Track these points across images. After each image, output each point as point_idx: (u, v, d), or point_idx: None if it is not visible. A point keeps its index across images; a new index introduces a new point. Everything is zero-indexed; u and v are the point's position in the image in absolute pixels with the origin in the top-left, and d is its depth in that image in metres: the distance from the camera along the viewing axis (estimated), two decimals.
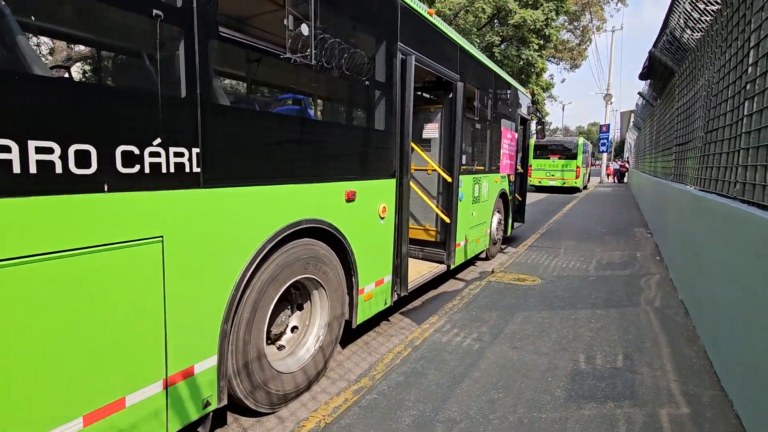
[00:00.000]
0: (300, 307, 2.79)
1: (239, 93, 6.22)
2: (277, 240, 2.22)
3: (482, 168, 5.64)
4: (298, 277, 2.47)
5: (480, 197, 5.40)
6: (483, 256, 6.28)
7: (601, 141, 27.85)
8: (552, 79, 36.37)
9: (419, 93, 4.93)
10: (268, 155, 2.18)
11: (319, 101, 5.23)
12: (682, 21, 4.39)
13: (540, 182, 20.69)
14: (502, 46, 20.45)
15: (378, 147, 3.13)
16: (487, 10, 18.54)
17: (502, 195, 6.52)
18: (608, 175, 29.75)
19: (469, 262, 5.97)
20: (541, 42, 19.82)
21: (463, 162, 4.83)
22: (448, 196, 4.55)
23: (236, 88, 6.68)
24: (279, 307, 2.58)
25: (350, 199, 2.79)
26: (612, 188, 22.10)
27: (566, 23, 35.89)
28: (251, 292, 2.14)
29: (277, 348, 2.66)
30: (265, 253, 2.16)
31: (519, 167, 7.98)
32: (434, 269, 4.38)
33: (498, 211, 6.48)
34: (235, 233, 2.01)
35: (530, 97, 7.89)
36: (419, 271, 4.29)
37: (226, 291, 1.98)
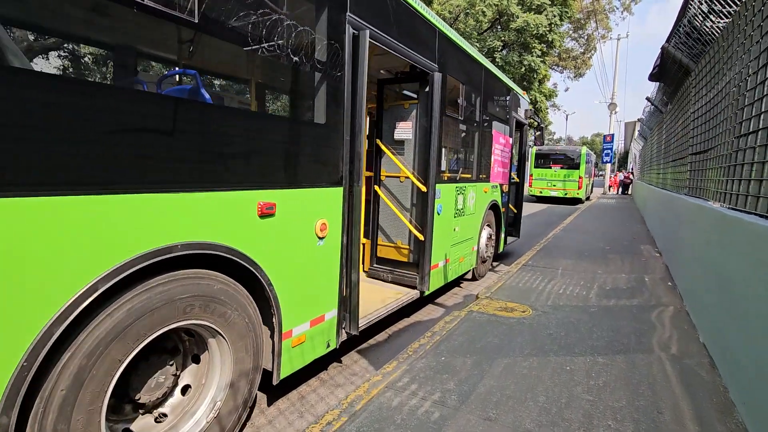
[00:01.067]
0: (196, 359, 2.06)
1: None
2: (124, 275, 1.50)
3: (468, 176, 4.92)
4: (174, 326, 1.74)
5: (465, 210, 4.67)
6: (469, 276, 5.54)
7: (605, 151, 27.11)
8: (556, 87, 35.81)
9: (391, 85, 4.22)
10: (103, 149, 1.46)
11: (220, 80, 4.08)
12: (704, 6, 3.68)
13: (541, 192, 19.95)
14: (504, 52, 19.84)
15: (315, 145, 2.41)
16: (488, 13, 17.96)
17: (493, 207, 5.79)
18: (611, 186, 28.99)
19: (454, 283, 5.22)
20: (544, 48, 19.20)
21: (443, 168, 4.11)
22: (422, 209, 3.82)
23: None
24: (154, 363, 1.85)
25: (266, 213, 2.07)
26: (615, 200, 21.34)
27: (570, 31, 35.44)
28: (72, 357, 1.41)
29: (156, 419, 1.92)
30: (98, 296, 1.44)
31: (514, 176, 7.27)
32: (402, 297, 3.64)
33: (488, 226, 5.75)
34: (35, 269, 1.29)
35: (528, 99, 7.18)
36: (383, 299, 3.55)
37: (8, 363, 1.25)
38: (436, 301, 4.69)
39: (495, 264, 6.67)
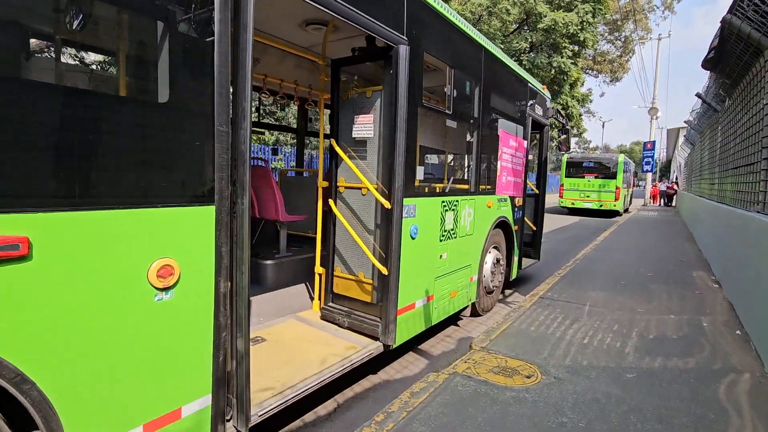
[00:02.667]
0: None
1: None
2: None
3: (464, 188, 3.88)
4: None
5: (458, 230, 3.62)
6: (468, 312, 4.45)
7: (645, 159, 24.95)
8: (590, 92, 33.87)
9: (350, 67, 3.25)
10: None
11: None
12: None
13: (573, 204, 18.36)
14: (532, 54, 18.57)
15: (150, 138, 1.48)
16: (513, 11, 16.80)
17: (502, 225, 4.69)
18: (653, 197, 26.73)
19: (451, 319, 4.14)
20: (576, 48, 17.79)
21: (421, 177, 3.08)
22: (385, 232, 2.82)
23: None
24: None
25: (7, 257, 1.15)
26: (658, 212, 19.39)
27: (606, 33, 33.49)
28: None
29: None
30: None
31: (533, 186, 6.12)
32: (353, 355, 2.62)
33: (495, 248, 4.66)
34: None
35: (548, 95, 6.05)
36: (326, 357, 2.56)
37: None
38: (420, 347, 3.63)
39: (508, 292, 5.52)
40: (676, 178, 26.93)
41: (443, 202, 3.35)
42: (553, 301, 4.58)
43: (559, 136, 6.66)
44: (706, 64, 5.18)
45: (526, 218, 6.02)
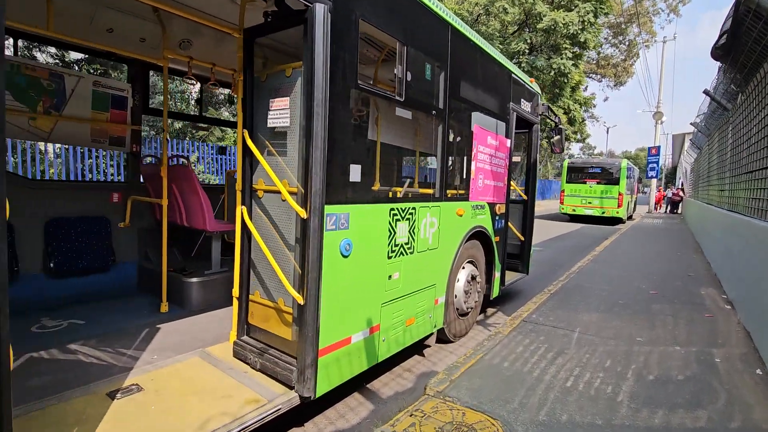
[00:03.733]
0: None
1: None
2: None
3: (428, 192, 3.24)
4: None
5: (415, 244, 2.98)
6: (435, 339, 3.79)
7: (650, 165, 24.25)
8: (594, 96, 33.22)
9: (266, 39, 2.63)
10: None
11: None
12: None
13: (574, 210, 17.64)
14: (531, 56, 17.96)
15: None
16: (511, 11, 16.21)
17: (479, 235, 4.05)
18: (657, 203, 25.93)
19: (415, 348, 3.48)
20: (576, 50, 17.16)
21: (356, 179, 2.45)
22: (302, 248, 2.18)
23: None
24: None
25: None
26: (663, 220, 18.62)
27: (610, 37, 32.88)
28: None
29: None
30: None
31: (521, 192, 5.48)
32: (250, 414, 1.97)
33: (471, 262, 4.01)
34: None
35: (538, 90, 5.41)
36: (207, 418, 1.91)
37: None
38: (369, 386, 2.98)
39: (491, 311, 4.85)
40: (682, 185, 26.15)
41: (393, 210, 2.71)
42: (538, 325, 3.91)
43: (552, 137, 6.01)
44: (716, 52, 4.52)
45: (513, 227, 5.38)
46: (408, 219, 2.89)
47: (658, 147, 24.31)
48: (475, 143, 3.74)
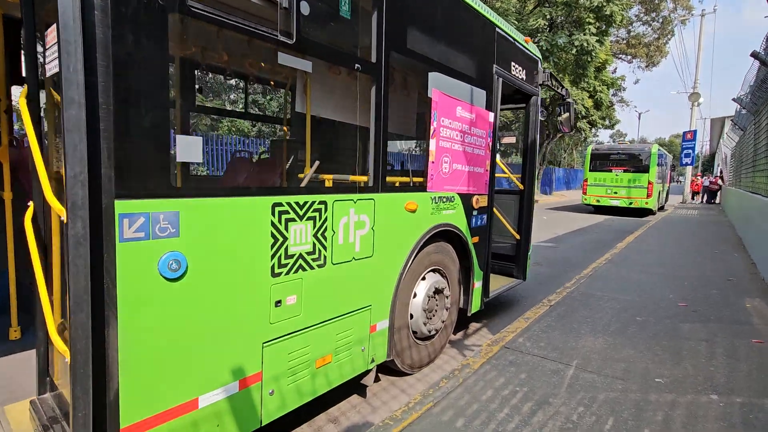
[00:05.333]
0: None
1: None
2: None
3: (355, 180, 2.35)
4: None
5: (329, 253, 2.11)
6: (371, 378, 2.92)
7: (685, 151, 22.31)
8: (623, 77, 31.03)
9: None
10: None
11: None
12: None
13: (598, 201, 16.25)
14: (551, 34, 16.50)
15: None
16: None
17: (447, 236, 3.14)
18: (694, 193, 23.94)
19: (357, 382, 2.63)
20: (602, 25, 15.60)
21: (191, 156, 1.58)
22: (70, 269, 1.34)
23: None
24: None
25: None
26: (698, 211, 16.96)
27: (641, 14, 30.47)
28: None
29: None
30: None
31: (516, 181, 4.50)
32: None
33: (437, 271, 3.11)
34: None
35: (539, 56, 4.38)
36: None
37: None
38: None
39: (474, 327, 3.93)
40: (721, 172, 24.06)
41: (280, 205, 1.84)
42: (522, 354, 2.97)
43: (559, 113, 4.95)
44: None
45: (506, 223, 4.42)
46: (312, 218, 2.01)
47: (694, 131, 22.33)
48: (435, 114, 2.80)
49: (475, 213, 3.41)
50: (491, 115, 3.49)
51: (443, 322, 3.20)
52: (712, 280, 5.20)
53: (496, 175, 4.92)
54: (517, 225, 4.48)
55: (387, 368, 2.86)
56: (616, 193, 15.97)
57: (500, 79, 3.56)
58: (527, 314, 3.85)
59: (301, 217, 1.95)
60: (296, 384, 2.03)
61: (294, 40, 1.85)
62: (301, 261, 1.98)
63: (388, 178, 2.56)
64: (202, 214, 1.57)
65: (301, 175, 2.60)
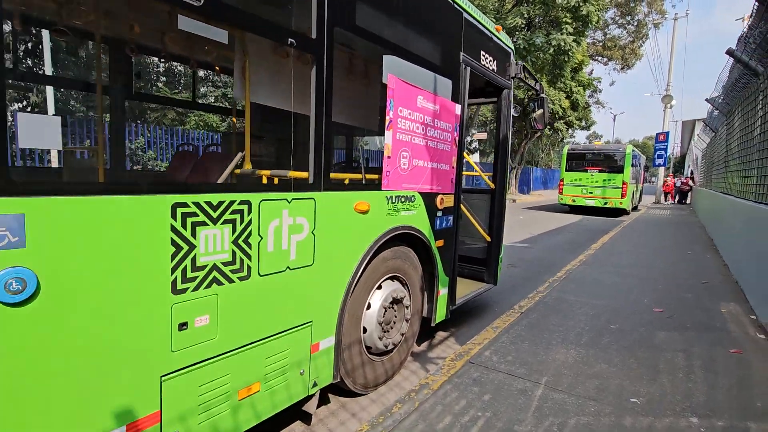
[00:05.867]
0: None
1: None
2: None
3: (298, 176, 2.01)
4: None
5: (254, 263, 1.77)
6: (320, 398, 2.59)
7: (658, 152, 22.80)
8: (599, 79, 31.53)
9: None
10: None
11: None
12: None
13: (574, 201, 16.33)
14: (529, 33, 16.47)
15: None
16: None
17: (407, 239, 2.83)
18: (665, 193, 24.47)
19: (300, 407, 2.28)
20: (579, 26, 15.64)
21: (43, 142, 1.22)
22: None
23: None
24: None
25: None
26: (670, 211, 17.26)
27: (617, 17, 31.00)
28: None
29: None
30: None
31: (487, 179, 4.24)
32: None
33: (395, 279, 2.81)
34: None
35: (511, 47, 4.12)
36: None
37: None
38: None
39: (441, 336, 3.64)
40: (692, 173, 24.67)
41: (181, 205, 1.49)
42: (488, 371, 2.69)
43: (533, 110, 4.71)
44: None
45: (477, 224, 4.15)
46: (231, 222, 1.67)
47: (667, 133, 22.80)
48: (391, 103, 2.49)
49: (439, 214, 3.12)
50: (458, 107, 3.20)
51: (403, 334, 2.89)
52: (687, 283, 5.07)
53: (466, 173, 4.67)
54: (488, 226, 4.22)
55: (340, 387, 2.53)
56: (591, 193, 16.07)
57: (468, 69, 3.27)
58: (496, 323, 3.58)
59: (214, 221, 1.60)
60: (211, 421, 1.69)
61: (201, 1, 1.49)
62: (215, 273, 1.63)
63: (334, 175, 2.24)
64: (61, 218, 1.20)
65: (237, 171, 2.24)
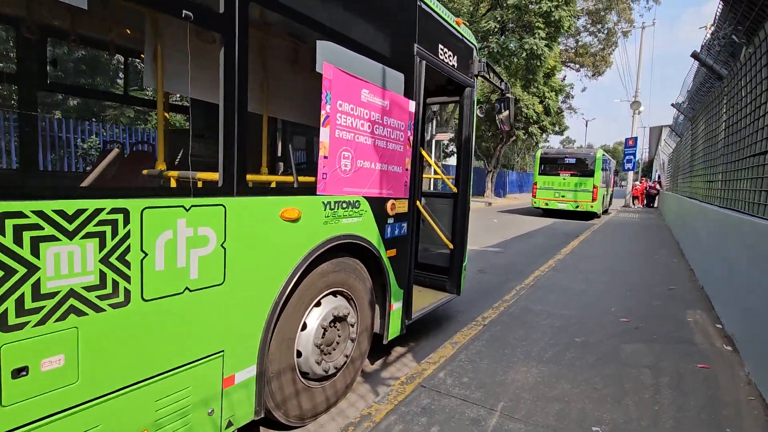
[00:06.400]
0: None
1: None
2: None
3: (210, 177, 1.69)
4: None
5: (135, 285, 1.43)
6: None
7: (627, 157, 23.36)
8: (572, 85, 32.19)
9: None
10: None
11: None
12: None
13: (547, 204, 16.44)
14: (503, 38, 16.52)
15: None
16: None
17: (349, 249, 2.53)
18: (634, 197, 25.07)
19: None
20: (550, 30, 15.77)
21: None
22: None
23: None
24: None
25: None
26: (639, 215, 17.59)
27: (588, 25, 31.74)
28: None
29: None
30: None
31: (450, 184, 4.00)
32: None
33: (340, 294, 2.50)
34: None
35: (474, 43, 3.89)
36: None
37: None
38: None
39: (398, 352, 3.35)
40: (659, 177, 25.37)
41: (12, 215, 1.14)
42: (440, 396, 2.41)
43: (498, 110, 4.49)
44: None
45: (439, 231, 3.89)
46: (98, 236, 1.32)
47: (635, 138, 23.39)
48: (328, 96, 2.18)
49: (390, 221, 2.83)
50: (412, 103, 2.93)
51: (348, 356, 2.59)
52: (654, 290, 4.95)
53: (428, 176, 4.40)
54: (451, 232, 3.97)
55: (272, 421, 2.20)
56: (563, 196, 16.20)
57: (423, 62, 3.00)
58: (457, 337, 3.32)
59: (70, 234, 1.26)
60: None
61: None
62: (73, 301, 1.28)
63: (255, 177, 1.92)
64: None
65: (145, 172, 1.90)
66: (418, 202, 4.24)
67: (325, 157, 2.21)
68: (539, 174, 16.71)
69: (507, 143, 27.30)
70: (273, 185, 2.12)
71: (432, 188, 8.27)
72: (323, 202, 2.23)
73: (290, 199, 2.03)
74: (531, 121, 22.59)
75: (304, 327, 2.28)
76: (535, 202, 16.81)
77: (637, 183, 26.82)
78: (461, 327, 3.63)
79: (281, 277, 2.02)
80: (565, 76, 32.14)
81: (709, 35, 4.91)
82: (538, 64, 15.88)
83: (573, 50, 32.77)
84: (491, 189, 27.35)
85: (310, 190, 2.17)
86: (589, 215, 16.06)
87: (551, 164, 16.57)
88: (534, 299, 4.42)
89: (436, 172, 4.14)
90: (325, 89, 2.17)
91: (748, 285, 3.08)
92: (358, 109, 2.42)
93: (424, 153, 4.18)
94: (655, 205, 22.70)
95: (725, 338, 3.43)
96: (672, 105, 8.63)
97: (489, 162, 27.30)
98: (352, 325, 2.59)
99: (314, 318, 2.32)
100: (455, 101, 4.06)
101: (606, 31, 32.08)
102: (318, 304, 2.36)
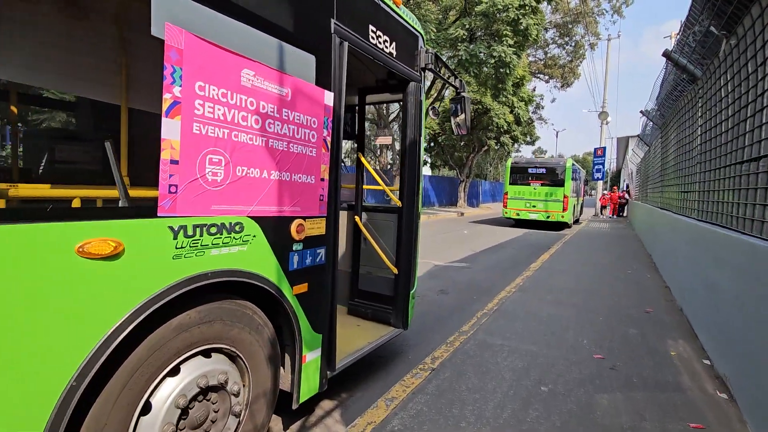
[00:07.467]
0: None
1: None
2: None
3: None
4: None
5: None
6: None
7: (596, 167, 23.59)
8: (542, 96, 32.60)
9: None
10: None
11: None
12: None
13: (518, 215, 16.12)
14: (471, 46, 16.27)
15: None
16: None
17: (234, 287, 1.82)
18: (603, 206, 25.26)
19: None
20: (518, 39, 15.62)
21: None
22: None
23: None
24: None
25: None
26: (609, 224, 17.52)
27: (556, 37, 32.34)
28: None
29: None
30: None
31: (393, 196, 3.36)
32: None
33: (221, 351, 1.78)
34: None
35: (420, 30, 3.28)
36: None
37: None
38: None
39: (327, 407, 2.63)
40: (627, 187, 25.72)
41: None
42: None
43: (454, 112, 3.91)
44: None
45: (381, 254, 3.24)
46: None
47: (604, 148, 23.62)
48: (178, 74, 1.50)
49: (297, 247, 2.14)
50: (329, 95, 2.27)
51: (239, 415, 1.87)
52: (629, 314, 4.43)
53: (368, 187, 3.76)
54: (395, 255, 3.32)
55: None
56: (534, 206, 15.93)
57: (345, 44, 2.36)
58: (395, 390, 2.64)
59: None
60: None
61: None
62: None
63: (26, 190, 1.20)
64: None
65: None
66: (357, 219, 3.60)
67: (174, 162, 1.52)
68: (510, 183, 16.43)
69: (479, 153, 27.21)
70: (76, 204, 1.43)
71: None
72: (171, 227, 1.53)
73: (99, 225, 1.32)
74: (502, 130, 22.52)
75: (147, 410, 1.56)
76: (506, 212, 16.49)
77: (606, 192, 27.11)
78: (406, 371, 2.96)
79: (84, 344, 1.30)
80: (534, 87, 32.68)
81: (674, 44, 4.51)
82: (507, 72, 15.66)
83: (542, 62, 33.29)
84: (464, 199, 27.10)
85: (147, 210, 1.47)
86: (560, 225, 15.83)
87: (522, 173, 16.32)
88: (495, 330, 3.80)
89: (377, 183, 3.49)
90: (170, 62, 1.48)
91: (742, 317, 2.54)
92: (237, 96, 1.74)
93: (362, 158, 3.55)
94: (625, 214, 22.88)
95: (717, 379, 2.88)
96: (641, 112, 8.36)
97: (461, 172, 27.09)
98: (236, 394, 1.87)
99: (165, 394, 1.60)
100: (398, 100, 3.45)
101: (574, 44, 32.77)
102: (174, 372, 1.65)
